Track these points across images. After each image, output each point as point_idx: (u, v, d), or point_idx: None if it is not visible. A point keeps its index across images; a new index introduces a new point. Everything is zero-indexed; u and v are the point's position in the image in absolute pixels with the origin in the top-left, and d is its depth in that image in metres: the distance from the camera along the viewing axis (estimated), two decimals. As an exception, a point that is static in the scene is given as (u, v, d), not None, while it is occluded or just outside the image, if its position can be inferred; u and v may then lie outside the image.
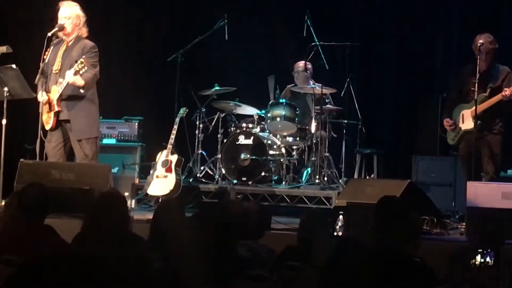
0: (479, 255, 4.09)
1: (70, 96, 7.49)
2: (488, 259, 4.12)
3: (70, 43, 7.62)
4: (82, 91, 7.42)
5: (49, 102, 7.53)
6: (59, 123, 7.56)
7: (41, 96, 7.50)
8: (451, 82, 7.99)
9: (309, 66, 9.40)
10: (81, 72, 7.27)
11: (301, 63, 9.40)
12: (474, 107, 7.55)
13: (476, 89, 7.54)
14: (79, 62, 7.24)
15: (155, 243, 4.37)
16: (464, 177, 7.88)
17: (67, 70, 7.43)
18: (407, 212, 4.65)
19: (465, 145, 7.86)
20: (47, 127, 7.56)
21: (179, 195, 8.35)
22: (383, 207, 4.81)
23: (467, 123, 7.76)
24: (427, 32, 10.40)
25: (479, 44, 7.68)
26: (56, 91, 7.48)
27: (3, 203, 7.10)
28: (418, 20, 10.42)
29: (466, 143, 7.83)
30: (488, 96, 7.69)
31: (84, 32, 7.64)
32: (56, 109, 7.49)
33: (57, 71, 7.55)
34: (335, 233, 6.62)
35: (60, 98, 7.48)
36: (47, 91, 7.56)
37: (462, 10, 10.28)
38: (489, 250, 4.06)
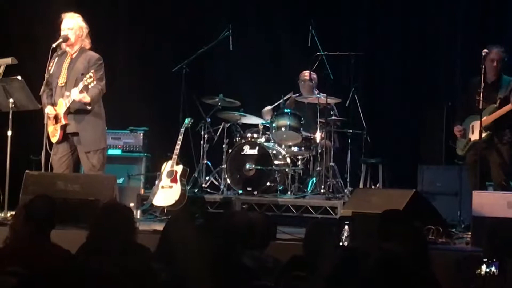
0: (484, 265, 4.07)
1: (77, 110, 7.52)
2: (493, 269, 4.11)
3: (74, 55, 7.64)
4: (89, 107, 7.46)
5: (55, 116, 7.55)
6: (66, 136, 7.59)
7: (49, 110, 7.52)
8: (462, 93, 8.01)
9: (314, 76, 9.41)
10: (89, 87, 7.30)
11: (306, 73, 9.42)
12: (483, 118, 7.59)
13: (481, 99, 7.55)
14: (87, 76, 7.28)
15: (163, 254, 4.36)
16: (470, 186, 7.86)
17: (73, 83, 7.47)
18: (410, 226, 4.65)
19: (473, 154, 7.88)
20: (54, 140, 7.58)
21: (187, 206, 8.35)
22: (386, 222, 4.81)
23: (476, 133, 7.76)
24: (431, 42, 10.41)
25: (483, 54, 7.70)
26: (63, 105, 7.50)
27: (9, 214, 7.15)
28: (422, 30, 10.43)
29: (474, 151, 7.83)
30: (498, 107, 7.71)
31: (87, 43, 7.66)
32: (63, 122, 7.52)
33: (62, 84, 7.58)
34: (341, 243, 6.61)
35: (67, 112, 7.50)
36: (53, 104, 7.58)
37: (465, 20, 10.29)
38: (494, 260, 4.05)
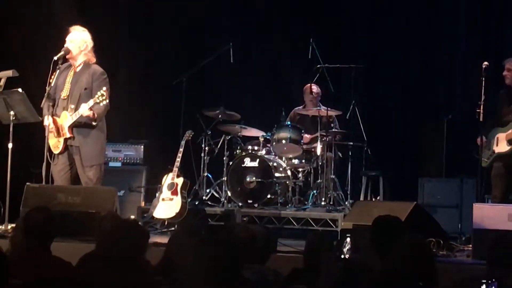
0: (483, 286, 4.06)
1: (82, 124, 7.54)
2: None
3: (78, 69, 7.67)
4: (94, 123, 7.49)
5: (57, 127, 7.56)
6: (67, 148, 7.60)
7: (47, 121, 7.53)
8: (490, 106, 7.98)
9: (317, 90, 9.42)
10: (101, 104, 7.32)
11: (308, 86, 9.43)
12: (509, 131, 7.66)
13: (481, 111, 7.56)
14: (99, 94, 7.32)
15: (165, 267, 4.36)
16: (495, 198, 7.79)
17: (77, 96, 7.51)
18: (403, 232, 4.64)
19: (501, 165, 7.81)
20: (56, 152, 7.60)
21: (189, 220, 8.34)
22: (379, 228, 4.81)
23: (501, 146, 7.76)
24: (432, 54, 10.43)
25: (483, 67, 7.69)
26: (67, 117, 7.52)
27: (9, 227, 7.14)
28: (423, 42, 10.45)
29: (503, 163, 7.79)
30: None
31: (91, 58, 7.68)
32: (68, 135, 7.54)
33: (65, 97, 7.60)
34: (342, 256, 6.60)
35: (72, 125, 7.52)
36: (55, 116, 7.59)
37: (467, 33, 10.31)
38: (493, 280, 4.03)
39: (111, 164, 9.62)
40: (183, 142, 8.81)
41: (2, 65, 7.97)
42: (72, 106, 7.52)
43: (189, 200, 8.69)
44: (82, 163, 7.56)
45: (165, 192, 8.56)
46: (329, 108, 9.13)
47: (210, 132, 9.31)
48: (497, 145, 7.81)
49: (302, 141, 9.16)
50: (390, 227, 5.09)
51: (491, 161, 7.86)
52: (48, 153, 7.53)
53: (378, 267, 4.49)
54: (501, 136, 7.79)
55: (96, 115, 7.45)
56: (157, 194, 8.67)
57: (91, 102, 7.37)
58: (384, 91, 10.63)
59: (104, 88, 7.37)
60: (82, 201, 7.26)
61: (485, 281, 4.06)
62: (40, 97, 7.63)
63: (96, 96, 7.34)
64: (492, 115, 7.99)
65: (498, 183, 7.83)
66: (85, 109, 7.38)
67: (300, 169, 9.28)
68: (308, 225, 8.48)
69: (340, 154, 9.45)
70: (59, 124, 7.57)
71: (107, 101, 7.39)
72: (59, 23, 8.46)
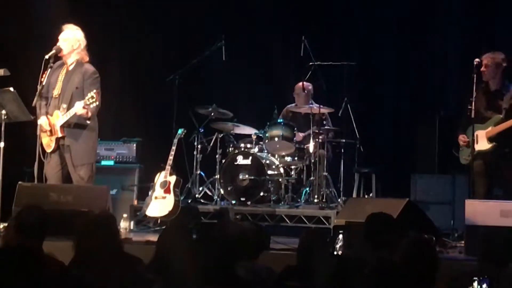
0: (475, 282, 4.07)
1: (75, 124, 7.54)
2: (484, 286, 4.10)
3: (70, 68, 7.65)
4: (88, 122, 7.49)
5: (50, 126, 7.55)
6: (58, 147, 7.59)
7: (43, 121, 7.51)
8: (466, 101, 7.94)
9: (310, 87, 9.42)
10: (91, 106, 7.32)
11: (300, 84, 9.42)
12: (488, 128, 7.63)
13: (473, 108, 7.57)
14: (89, 96, 7.31)
15: (157, 265, 4.36)
16: (478, 196, 7.71)
17: (69, 95, 7.50)
18: (397, 228, 4.65)
19: (482, 162, 7.75)
20: (48, 150, 7.59)
21: (181, 217, 8.34)
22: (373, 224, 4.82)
23: (481, 143, 7.71)
24: (424, 51, 10.44)
25: (475, 63, 7.68)
26: (59, 117, 7.50)
27: (1, 226, 7.13)
28: (416, 39, 10.45)
29: (483, 160, 7.74)
30: (505, 118, 7.67)
31: (84, 57, 7.67)
32: (60, 135, 7.53)
33: (57, 96, 7.59)
34: (335, 252, 6.61)
35: (64, 125, 7.50)
36: (48, 115, 7.57)
37: (459, 31, 10.31)
38: (485, 277, 4.04)
39: (104, 162, 9.60)
40: (175, 140, 8.81)
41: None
42: (64, 106, 7.51)
43: (182, 198, 8.68)
44: (73, 162, 7.54)
45: (158, 191, 8.56)
46: (321, 106, 9.13)
47: (202, 130, 9.31)
48: (477, 142, 7.74)
49: (295, 139, 9.16)
50: (383, 224, 5.10)
51: (472, 159, 7.79)
52: (40, 152, 7.52)
53: (371, 263, 4.50)
54: (481, 134, 7.70)
55: (88, 114, 7.44)
56: (150, 193, 8.67)
57: (81, 102, 7.34)
58: (376, 88, 10.63)
59: (94, 90, 7.34)
60: (74, 199, 7.25)
61: (476, 278, 4.08)
62: (32, 96, 7.61)
63: (86, 98, 7.32)
64: (468, 112, 7.95)
65: (480, 181, 7.77)
66: (79, 107, 7.36)
67: (292, 167, 9.29)
68: (301, 222, 8.49)
69: (331, 154, 9.44)
70: (51, 123, 7.55)
71: (97, 103, 7.37)
72: (51, 22, 8.44)
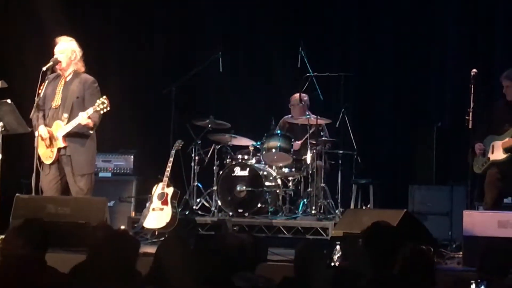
0: (473, 285, 4.07)
1: (76, 133, 7.54)
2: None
3: (68, 78, 7.66)
4: (91, 132, 7.51)
5: (49, 137, 7.54)
6: (58, 158, 7.58)
7: (42, 131, 7.51)
8: (481, 113, 7.98)
9: (305, 98, 9.42)
10: (101, 112, 7.33)
11: (296, 95, 9.41)
12: (506, 139, 7.69)
13: (470, 119, 7.62)
14: (100, 102, 7.35)
15: (155, 277, 4.35)
16: (486, 204, 7.80)
17: (70, 106, 7.51)
18: (398, 241, 4.65)
19: (495, 172, 7.81)
20: (48, 162, 7.57)
21: (179, 229, 8.33)
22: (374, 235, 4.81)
23: (496, 153, 7.78)
24: (422, 63, 10.45)
25: (472, 74, 7.75)
26: (61, 127, 7.50)
27: (-1, 238, 7.10)
28: (413, 51, 10.47)
29: (497, 170, 7.79)
30: None
31: (80, 67, 7.69)
32: (62, 145, 7.52)
33: (56, 107, 7.59)
34: (332, 264, 6.60)
35: (67, 134, 7.51)
36: (46, 127, 7.57)
37: (456, 42, 10.33)
38: (483, 279, 4.04)
39: (101, 174, 9.60)
40: (173, 152, 8.80)
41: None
42: (66, 115, 7.51)
43: (179, 210, 8.67)
44: (73, 172, 7.54)
45: (155, 202, 8.54)
46: (318, 117, 9.13)
47: (200, 142, 9.30)
48: (492, 152, 7.82)
49: (292, 149, 9.16)
50: (385, 234, 5.09)
51: (486, 168, 7.87)
52: (38, 164, 7.51)
53: (369, 274, 4.49)
54: (497, 144, 7.80)
55: (93, 124, 7.46)
56: (147, 204, 8.65)
57: (90, 110, 7.37)
58: (374, 99, 10.65)
59: (104, 96, 7.38)
60: (72, 211, 7.23)
61: (473, 281, 4.08)
62: (29, 108, 7.61)
63: (96, 104, 7.35)
64: (485, 122, 8.00)
65: (491, 189, 7.83)
66: (83, 118, 7.38)
67: (290, 178, 9.28)
68: (299, 233, 8.47)
69: (328, 165, 9.44)
70: (51, 134, 7.55)
71: (108, 108, 7.40)
72: (48, 34, 8.44)
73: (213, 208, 9.10)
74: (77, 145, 7.55)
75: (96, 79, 7.73)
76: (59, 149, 7.55)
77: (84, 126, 7.46)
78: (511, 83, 7.84)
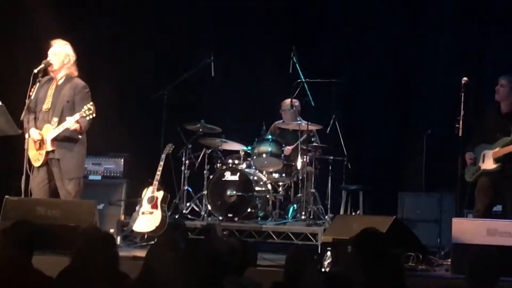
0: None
1: (65, 137, 7.55)
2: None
3: (59, 82, 7.66)
4: (80, 136, 7.51)
5: (39, 140, 7.53)
6: (47, 161, 7.57)
7: (34, 134, 7.50)
8: (474, 121, 7.97)
9: (297, 103, 9.44)
10: (87, 118, 7.32)
11: (287, 101, 9.44)
12: (496, 148, 7.65)
13: (461, 126, 7.62)
14: (86, 108, 7.34)
15: (145, 280, 4.35)
16: (477, 212, 7.75)
17: (60, 109, 7.51)
18: (387, 247, 4.65)
19: (485, 180, 7.78)
20: (36, 164, 7.57)
21: (169, 233, 8.32)
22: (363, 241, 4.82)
23: (487, 163, 7.76)
24: (412, 70, 10.48)
25: (463, 82, 7.78)
26: (50, 130, 7.50)
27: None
28: (404, 59, 10.50)
29: (488, 178, 7.76)
30: None
31: (73, 71, 7.69)
32: (50, 148, 7.52)
33: (47, 110, 7.60)
34: (323, 269, 6.61)
35: (56, 138, 7.50)
36: (37, 129, 7.57)
37: (447, 50, 10.37)
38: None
39: (91, 177, 9.59)
40: (163, 156, 8.80)
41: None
42: (55, 119, 7.52)
43: (169, 213, 8.66)
44: (62, 175, 7.54)
45: (145, 206, 8.54)
46: (309, 123, 9.15)
47: (190, 146, 9.30)
48: (483, 161, 7.80)
49: (283, 154, 9.17)
50: (374, 241, 5.10)
51: (477, 177, 7.85)
52: (27, 166, 7.50)
53: (359, 280, 4.50)
54: (488, 154, 7.75)
55: (82, 129, 7.45)
56: (137, 208, 8.64)
57: (77, 116, 7.36)
58: (364, 106, 10.67)
59: (91, 102, 7.38)
60: (61, 214, 7.23)
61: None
62: (20, 110, 7.60)
63: (83, 110, 7.34)
64: (475, 130, 7.99)
65: (482, 197, 7.79)
66: (71, 122, 7.37)
67: (280, 183, 9.29)
68: (288, 239, 8.48)
69: (318, 171, 9.44)
70: (42, 137, 7.54)
71: (94, 115, 7.39)
72: (39, 36, 8.44)
73: (203, 213, 9.10)
74: (66, 149, 7.56)
75: (87, 83, 7.72)
76: (47, 152, 7.54)
77: (73, 131, 7.46)
78: (507, 84, 7.80)
